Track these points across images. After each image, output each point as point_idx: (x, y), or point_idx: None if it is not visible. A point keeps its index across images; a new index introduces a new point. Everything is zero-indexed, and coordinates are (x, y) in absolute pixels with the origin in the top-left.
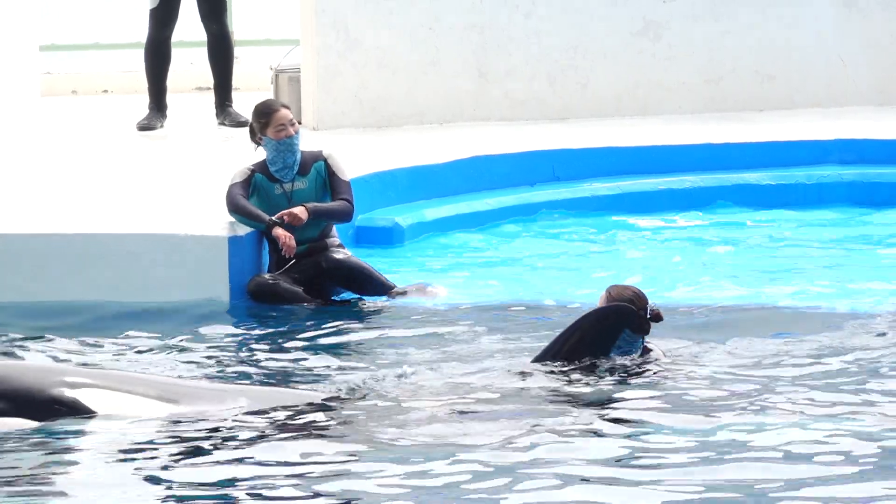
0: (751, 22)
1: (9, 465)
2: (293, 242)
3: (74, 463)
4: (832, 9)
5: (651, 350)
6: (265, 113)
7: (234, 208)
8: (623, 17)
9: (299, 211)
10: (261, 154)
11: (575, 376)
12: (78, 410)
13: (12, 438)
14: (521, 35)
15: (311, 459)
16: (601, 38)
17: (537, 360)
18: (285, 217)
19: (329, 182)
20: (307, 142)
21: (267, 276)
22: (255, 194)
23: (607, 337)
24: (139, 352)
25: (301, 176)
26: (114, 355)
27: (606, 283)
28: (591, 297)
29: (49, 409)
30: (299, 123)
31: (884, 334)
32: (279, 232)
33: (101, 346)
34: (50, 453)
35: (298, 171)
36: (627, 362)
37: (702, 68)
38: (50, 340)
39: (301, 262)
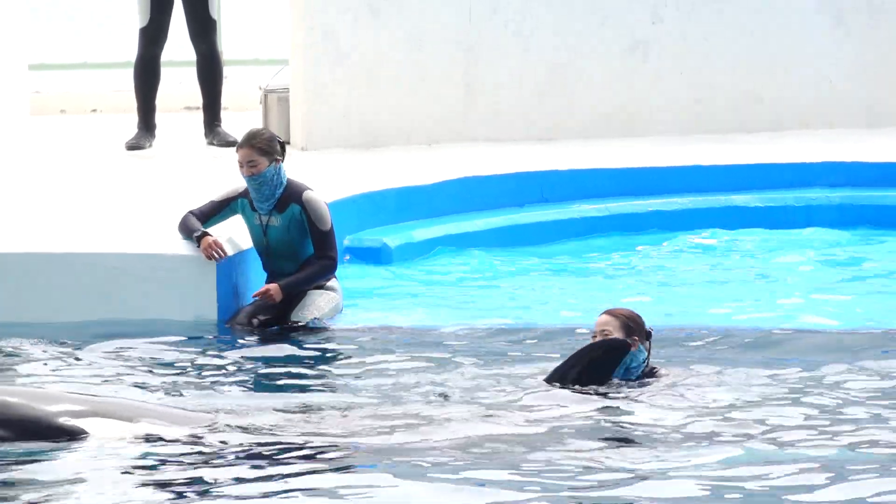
0: (739, 42)
1: (5, 490)
2: (219, 249)
3: (71, 491)
4: (821, 30)
5: (655, 370)
6: (238, 144)
7: (178, 226)
8: (611, 37)
9: (274, 291)
10: None
11: (580, 398)
12: (79, 438)
13: (11, 465)
14: (510, 54)
15: (320, 483)
16: (589, 58)
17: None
18: (258, 298)
19: (309, 232)
20: (296, 166)
21: (244, 317)
22: (240, 217)
23: (605, 370)
24: (125, 372)
25: (278, 213)
26: (100, 374)
27: (593, 303)
28: (578, 319)
29: (51, 436)
30: (287, 144)
31: (877, 356)
32: (206, 243)
33: (88, 365)
34: (46, 480)
35: (277, 208)
36: (632, 384)
37: (690, 89)
38: (36, 359)
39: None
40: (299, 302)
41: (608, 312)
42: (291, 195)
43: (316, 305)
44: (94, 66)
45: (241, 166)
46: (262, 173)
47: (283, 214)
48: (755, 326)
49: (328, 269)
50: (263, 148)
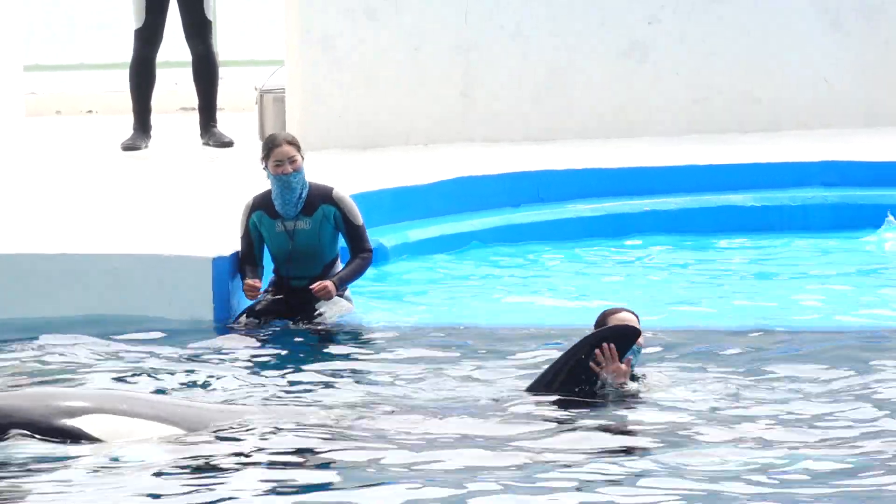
0: (737, 43)
1: (9, 492)
2: (251, 290)
3: (76, 488)
4: (818, 30)
5: (644, 376)
6: (267, 146)
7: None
8: (609, 38)
9: (331, 287)
10: (267, 184)
11: (571, 406)
12: (82, 438)
13: (15, 466)
14: (508, 55)
15: (308, 480)
16: (587, 59)
17: (532, 388)
18: (313, 289)
19: (344, 229)
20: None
21: (248, 317)
22: (258, 231)
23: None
24: (122, 372)
25: (305, 216)
26: (97, 375)
27: (589, 303)
28: (574, 319)
29: (53, 437)
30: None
31: (872, 355)
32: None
33: (85, 366)
34: (52, 480)
35: (303, 210)
36: (621, 390)
37: (687, 90)
38: (34, 359)
39: (298, 294)
40: (306, 305)
41: (628, 311)
42: (317, 196)
43: (340, 306)
44: (89, 67)
45: (280, 164)
46: (300, 170)
47: (313, 217)
48: (752, 326)
49: (369, 262)
50: (297, 144)
